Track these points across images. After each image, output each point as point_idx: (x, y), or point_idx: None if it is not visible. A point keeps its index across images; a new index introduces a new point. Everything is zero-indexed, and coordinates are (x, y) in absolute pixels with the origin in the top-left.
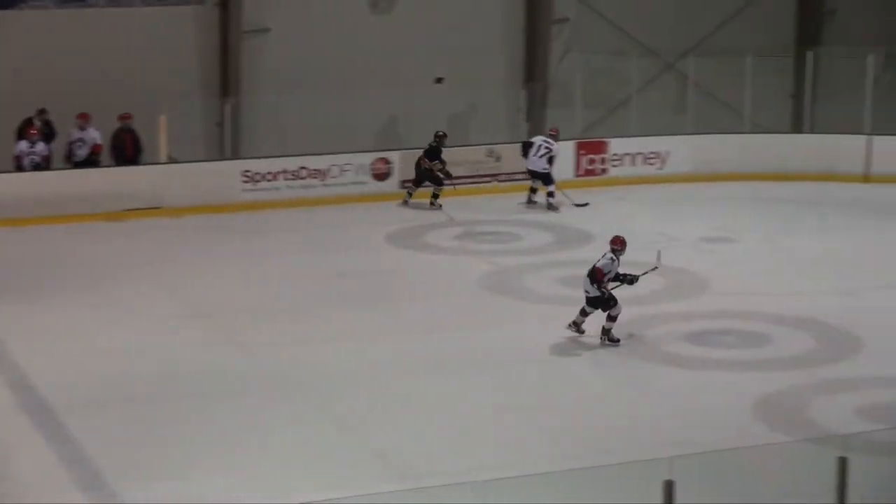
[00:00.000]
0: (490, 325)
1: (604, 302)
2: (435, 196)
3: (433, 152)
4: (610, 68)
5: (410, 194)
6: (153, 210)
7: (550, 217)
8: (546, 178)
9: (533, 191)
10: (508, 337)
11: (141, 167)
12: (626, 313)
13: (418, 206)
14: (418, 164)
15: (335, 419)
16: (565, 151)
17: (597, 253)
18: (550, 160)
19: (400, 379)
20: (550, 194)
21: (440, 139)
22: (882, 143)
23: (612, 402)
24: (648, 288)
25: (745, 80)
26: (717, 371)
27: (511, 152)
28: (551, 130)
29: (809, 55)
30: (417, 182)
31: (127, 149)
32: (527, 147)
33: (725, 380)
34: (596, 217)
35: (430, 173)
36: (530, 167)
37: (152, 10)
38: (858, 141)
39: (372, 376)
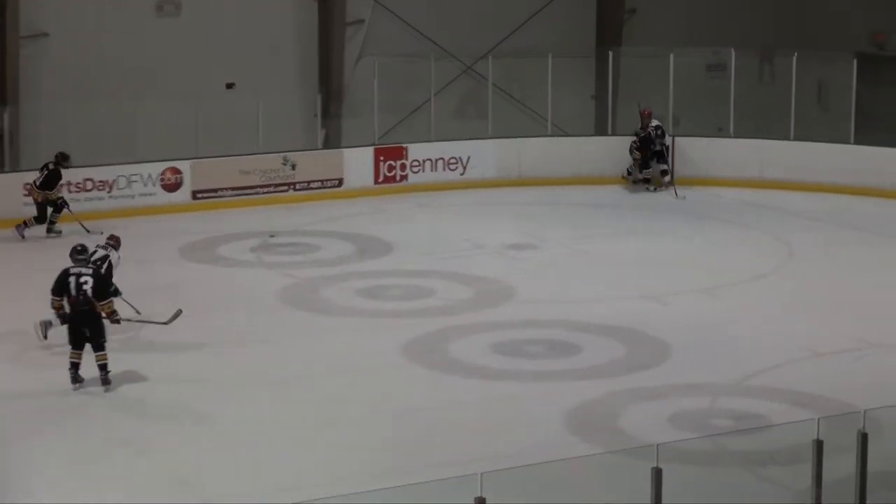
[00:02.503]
0: (291, 339)
1: None
2: (646, 180)
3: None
4: (407, 71)
5: (630, 173)
6: None
7: (349, 227)
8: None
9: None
10: (310, 351)
11: None
12: (431, 325)
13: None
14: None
15: (132, 444)
16: (363, 158)
17: (398, 264)
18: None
19: (199, 399)
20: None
21: (659, 128)
22: (685, 144)
23: (420, 416)
24: (453, 298)
25: (546, 81)
26: (526, 382)
27: (307, 160)
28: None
29: (610, 55)
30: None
31: None
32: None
33: (535, 391)
34: (396, 226)
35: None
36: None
37: None
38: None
39: (168, 396)
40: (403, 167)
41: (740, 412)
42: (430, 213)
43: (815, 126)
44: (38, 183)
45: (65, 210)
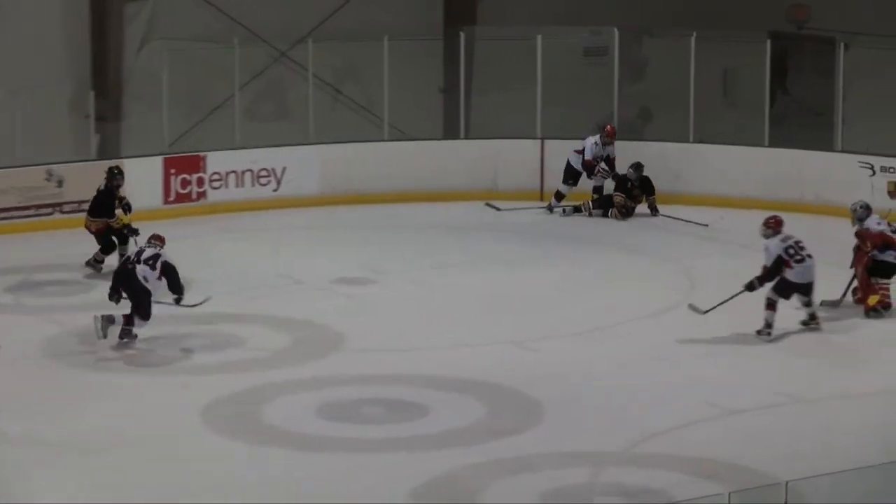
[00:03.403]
0: (59, 403)
1: None
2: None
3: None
4: (205, 60)
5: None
6: None
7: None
8: None
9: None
10: (84, 419)
11: None
12: (239, 382)
13: None
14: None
15: None
16: (149, 170)
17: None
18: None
19: None
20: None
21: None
22: (557, 149)
23: (227, 498)
24: (268, 347)
25: (381, 71)
26: (361, 453)
27: (77, 173)
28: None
29: (462, 37)
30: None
31: None
32: None
33: (373, 463)
34: (193, 256)
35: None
36: None
37: None
38: (528, 147)
39: None
40: (201, 182)
41: (631, 486)
42: (236, 240)
43: (721, 124)
44: (89, 208)
45: (132, 241)
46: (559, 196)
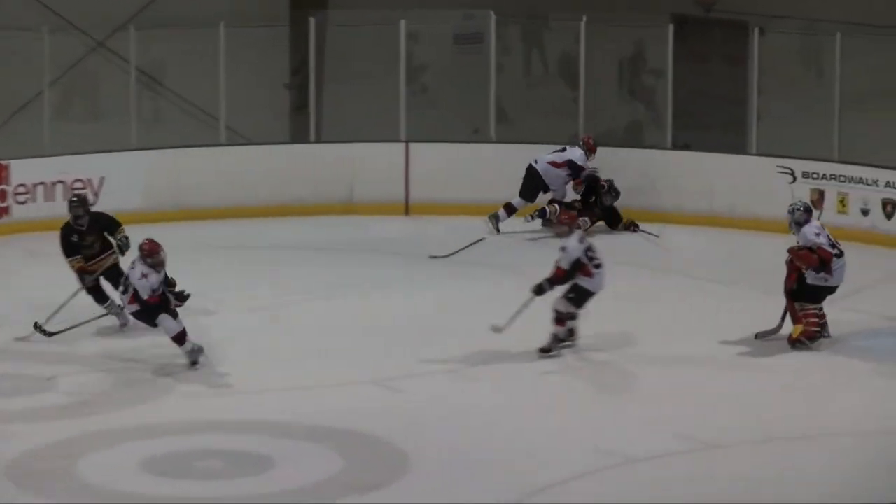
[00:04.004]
0: None
1: None
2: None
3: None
4: (7, 51)
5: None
6: None
7: None
8: None
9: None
10: None
11: None
12: (50, 431)
13: None
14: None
15: None
16: None
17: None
18: None
19: None
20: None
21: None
22: (422, 153)
23: None
24: (85, 390)
25: (217, 64)
26: None
27: None
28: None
29: (312, 23)
30: None
31: None
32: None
33: None
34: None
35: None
36: None
37: None
38: (391, 152)
39: None
40: (3, 196)
41: None
42: (46, 264)
43: (616, 122)
44: None
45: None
46: (510, 209)
